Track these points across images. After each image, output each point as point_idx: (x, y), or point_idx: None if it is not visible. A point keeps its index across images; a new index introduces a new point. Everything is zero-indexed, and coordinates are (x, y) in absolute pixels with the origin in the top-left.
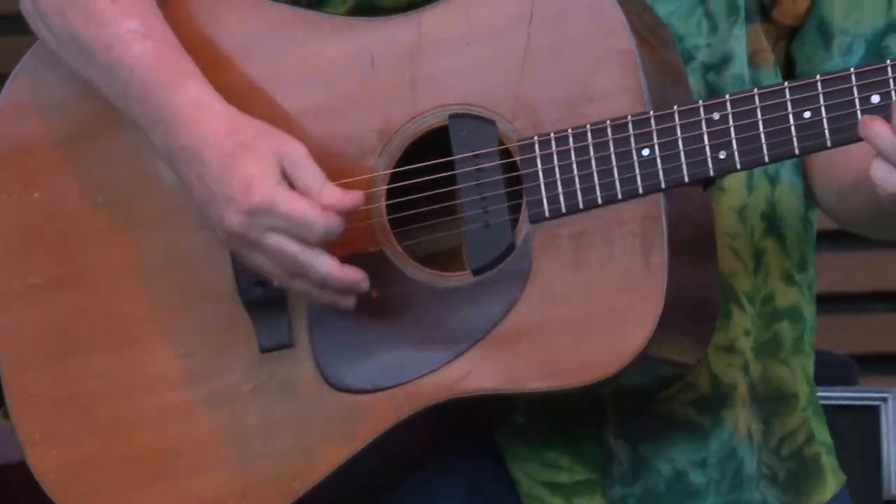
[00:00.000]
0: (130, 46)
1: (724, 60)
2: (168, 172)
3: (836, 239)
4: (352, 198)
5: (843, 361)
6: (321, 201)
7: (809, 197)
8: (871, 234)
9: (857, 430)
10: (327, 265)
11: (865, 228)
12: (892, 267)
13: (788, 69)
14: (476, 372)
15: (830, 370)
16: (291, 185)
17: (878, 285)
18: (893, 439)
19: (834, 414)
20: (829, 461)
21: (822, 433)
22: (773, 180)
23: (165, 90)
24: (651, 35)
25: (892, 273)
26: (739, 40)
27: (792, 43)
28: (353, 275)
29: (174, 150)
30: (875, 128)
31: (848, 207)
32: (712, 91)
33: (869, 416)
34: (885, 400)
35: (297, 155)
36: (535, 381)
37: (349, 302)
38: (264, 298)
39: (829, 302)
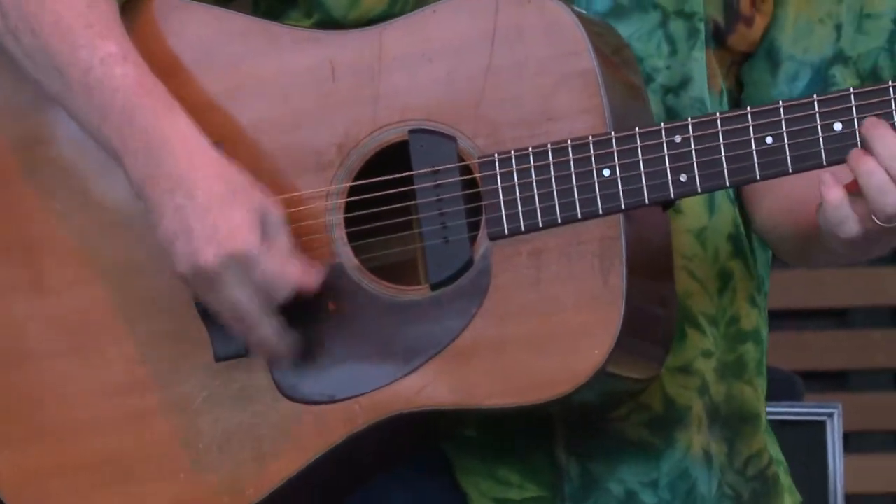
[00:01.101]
0: (111, 69)
1: (684, 83)
2: (123, 183)
3: (776, 256)
4: (316, 275)
5: (789, 377)
6: (287, 269)
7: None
8: (794, 260)
9: (803, 444)
10: (270, 333)
11: (790, 254)
12: (832, 284)
13: (736, 94)
14: (432, 386)
15: (777, 386)
16: (268, 244)
17: (820, 303)
18: (839, 453)
19: (781, 429)
20: (785, 480)
21: (777, 452)
22: (735, 203)
23: (154, 116)
24: (614, 54)
25: (833, 290)
26: (699, 63)
27: (741, 68)
28: (284, 351)
29: (155, 175)
30: (869, 164)
31: (779, 234)
32: (671, 113)
33: (815, 431)
34: (830, 415)
35: (277, 217)
36: (491, 397)
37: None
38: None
39: (772, 318)
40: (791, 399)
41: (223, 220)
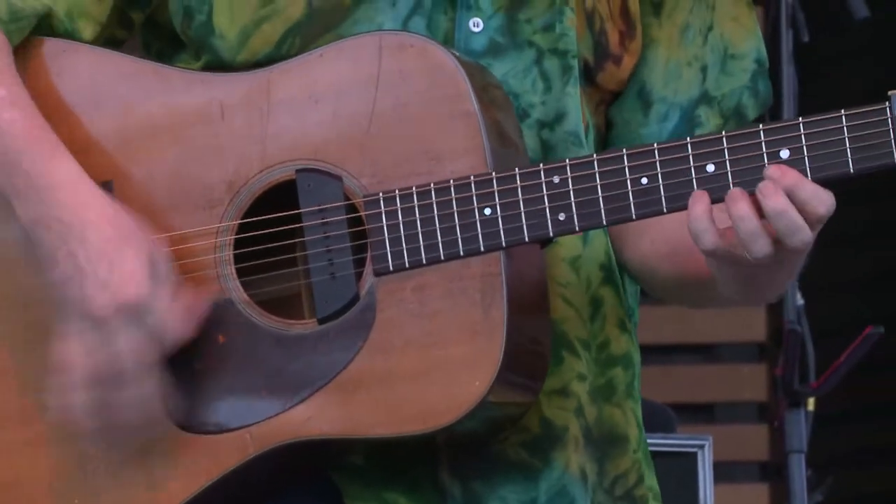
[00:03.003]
0: None
1: (558, 118)
2: (11, 222)
3: (646, 292)
4: (202, 307)
5: (663, 410)
6: (177, 310)
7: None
8: (676, 302)
9: (676, 474)
10: (152, 385)
11: (672, 297)
12: (701, 320)
13: (605, 133)
14: (319, 417)
15: (651, 418)
16: (158, 284)
17: (689, 338)
18: (709, 484)
19: (655, 459)
20: None
21: (651, 479)
22: (607, 234)
23: (39, 160)
24: (485, 92)
25: (702, 326)
26: (573, 98)
27: (611, 107)
28: (159, 412)
29: (45, 219)
30: (741, 210)
31: (658, 276)
32: (547, 147)
33: (687, 462)
34: (702, 447)
35: (164, 261)
36: (376, 427)
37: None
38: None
39: (642, 352)
40: (664, 431)
41: (116, 267)
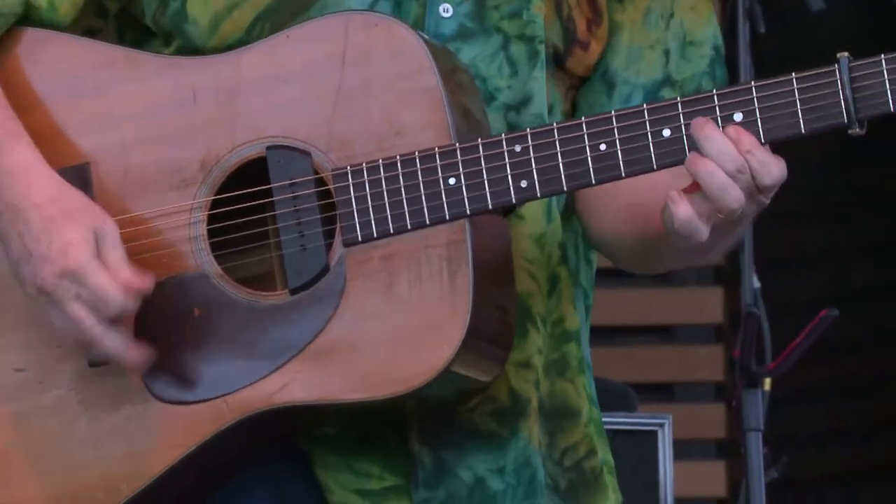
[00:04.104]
0: None
1: (525, 101)
2: None
3: (606, 276)
4: (145, 281)
5: (623, 389)
6: (118, 278)
7: (586, 239)
8: (638, 267)
9: (635, 453)
10: (115, 343)
11: (635, 262)
12: (659, 303)
13: (572, 116)
14: (293, 384)
15: (611, 397)
16: (100, 259)
17: (648, 320)
18: (669, 461)
19: (615, 438)
20: (610, 480)
21: (606, 453)
22: (566, 216)
23: None
24: (452, 75)
25: (660, 309)
26: (539, 83)
27: (578, 91)
28: (136, 359)
29: None
30: (708, 167)
31: (622, 242)
32: (513, 129)
33: (647, 440)
34: (662, 425)
35: (111, 233)
36: (348, 392)
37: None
38: None
39: (603, 334)
40: (625, 410)
41: (55, 241)
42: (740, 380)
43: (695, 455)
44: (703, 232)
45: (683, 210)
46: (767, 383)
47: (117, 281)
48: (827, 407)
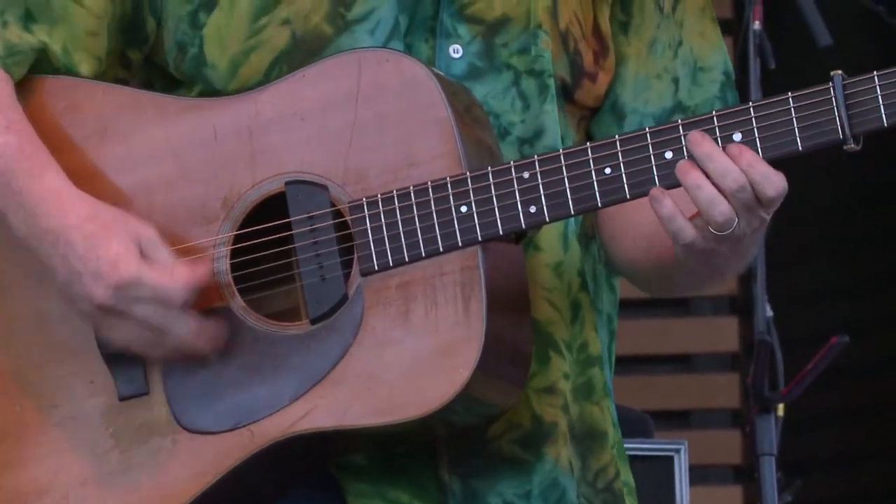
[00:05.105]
0: None
1: (538, 134)
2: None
3: (626, 307)
4: (202, 271)
5: (641, 416)
6: (174, 275)
7: (608, 265)
8: (659, 292)
9: (653, 477)
10: (188, 327)
11: (654, 286)
12: (677, 332)
13: None
14: (315, 411)
15: (630, 424)
16: (149, 262)
17: (666, 349)
18: (685, 485)
19: (633, 463)
20: (630, 501)
21: (627, 474)
22: (583, 244)
23: (28, 178)
24: (466, 112)
25: (678, 338)
26: (551, 115)
27: (590, 122)
28: (211, 333)
29: (36, 233)
30: (696, 178)
31: (641, 268)
32: None
33: (665, 465)
34: (678, 451)
35: (151, 236)
36: (370, 417)
37: (212, 352)
38: (121, 351)
39: (622, 363)
40: (643, 436)
41: (102, 256)
42: (753, 405)
43: (711, 480)
44: (688, 231)
45: (666, 207)
46: (781, 409)
47: (173, 276)
48: (839, 431)
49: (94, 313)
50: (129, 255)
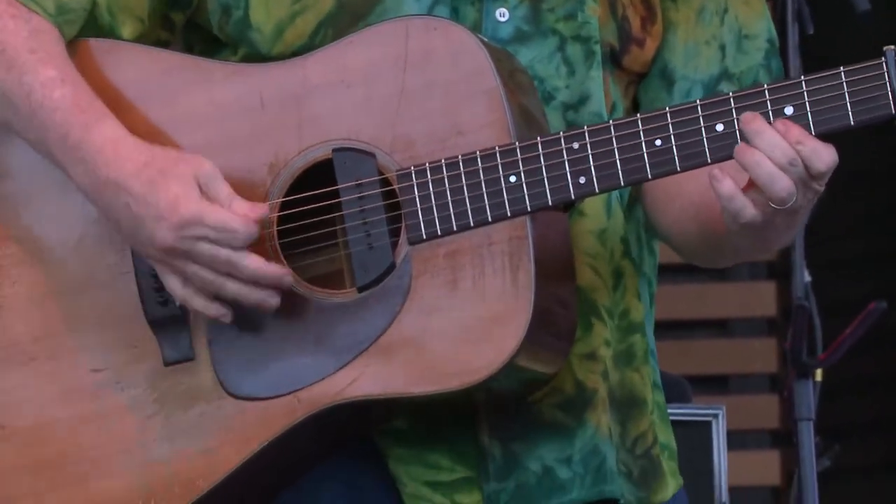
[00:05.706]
0: (51, 92)
1: (582, 100)
2: (76, 206)
3: (664, 272)
4: (260, 208)
5: (679, 381)
6: (234, 212)
7: (650, 230)
8: (703, 261)
9: (691, 443)
10: (255, 262)
11: (699, 255)
12: (714, 297)
13: (633, 112)
14: (362, 379)
15: (667, 389)
16: (209, 200)
17: (703, 314)
18: (723, 450)
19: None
20: (669, 465)
21: (668, 437)
22: (627, 208)
23: (84, 130)
24: (511, 77)
25: (715, 303)
26: (596, 81)
27: (638, 87)
28: (278, 269)
29: (97, 184)
30: (755, 156)
31: (687, 237)
32: (572, 127)
33: (702, 430)
34: (716, 416)
35: (212, 174)
36: (416, 385)
37: (275, 300)
38: (167, 316)
39: (659, 328)
40: (680, 401)
41: (162, 199)
42: (791, 370)
43: (749, 444)
44: (749, 210)
45: (726, 187)
46: (819, 374)
47: (235, 213)
48: (877, 397)
49: (161, 257)
50: (189, 194)
